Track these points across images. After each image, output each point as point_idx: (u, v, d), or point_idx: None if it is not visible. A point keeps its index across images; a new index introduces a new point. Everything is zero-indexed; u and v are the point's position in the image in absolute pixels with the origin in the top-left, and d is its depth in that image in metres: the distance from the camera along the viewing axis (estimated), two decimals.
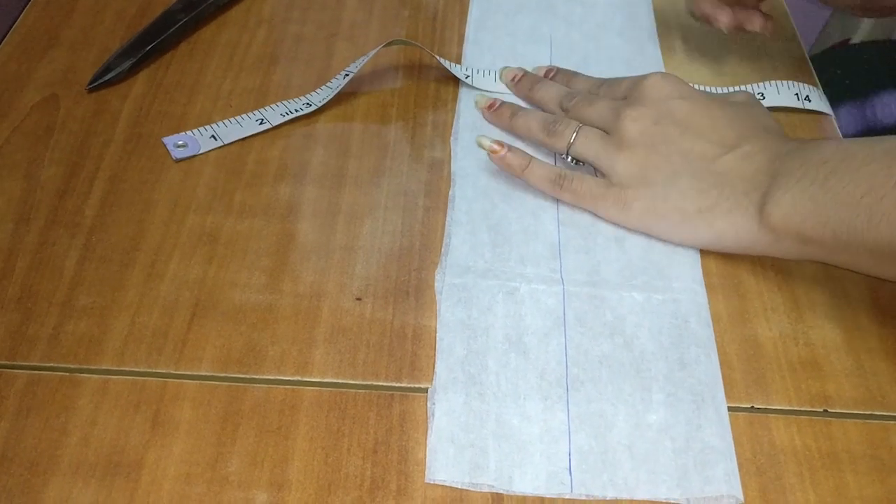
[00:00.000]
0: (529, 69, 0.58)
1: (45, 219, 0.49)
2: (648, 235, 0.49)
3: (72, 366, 0.43)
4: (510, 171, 0.51)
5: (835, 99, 0.63)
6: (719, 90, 0.57)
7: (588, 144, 0.50)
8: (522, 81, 0.57)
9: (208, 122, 0.55)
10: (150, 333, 0.44)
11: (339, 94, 0.56)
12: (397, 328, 0.45)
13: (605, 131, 0.50)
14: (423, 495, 0.39)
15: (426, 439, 0.40)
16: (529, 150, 0.52)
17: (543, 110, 0.55)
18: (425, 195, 0.51)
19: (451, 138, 0.54)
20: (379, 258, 0.48)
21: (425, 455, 0.40)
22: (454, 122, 0.56)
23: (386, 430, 0.41)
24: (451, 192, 0.51)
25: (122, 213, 0.50)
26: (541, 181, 0.50)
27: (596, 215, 0.50)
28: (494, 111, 0.55)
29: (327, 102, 0.56)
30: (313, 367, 0.43)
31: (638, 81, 0.51)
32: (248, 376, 0.43)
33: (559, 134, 0.51)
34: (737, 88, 0.57)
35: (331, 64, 0.59)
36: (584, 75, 0.57)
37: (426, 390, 0.42)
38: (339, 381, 0.43)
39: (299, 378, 0.43)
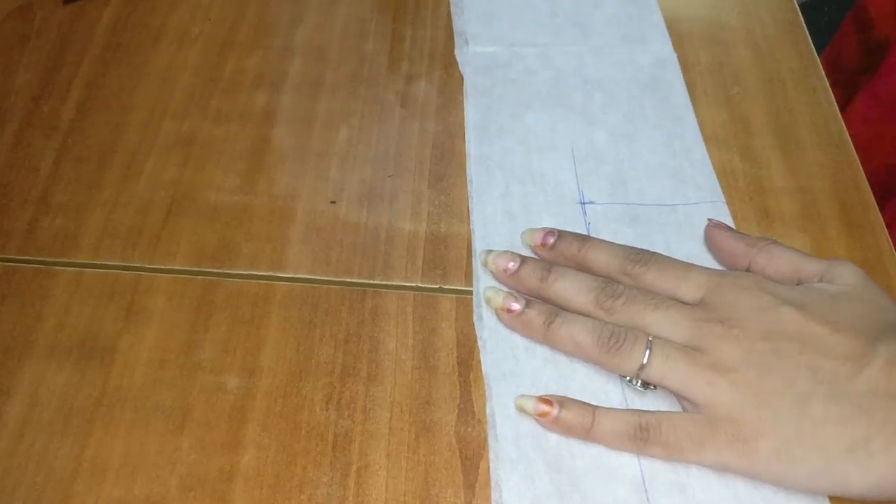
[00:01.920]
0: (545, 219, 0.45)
1: (20, 121, 0.50)
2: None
3: (47, 259, 0.43)
4: (568, 436, 0.37)
5: None
6: None
7: (670, 366, 0.37)
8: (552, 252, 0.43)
9: (186, 34, 0.55)
10: (125, 230, 0.44)
11: (318, 7, 0.56)
12: (371, 229, 0.45)
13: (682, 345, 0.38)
14: (392, 381, 0.39)
15: (397, 332, 0.41)
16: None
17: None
18: (402, 105, 0.52)
19: (474, 311, 0.42)
20: (354, 164, 0.48)
21: (395, 346, 0.41)
22: (473, 288, 0.43)
23: (358, 323, 0.41)
24: (488, 407, 0.39)
25: (99, 117, 0.50)
26: (615, 439, 0.37)
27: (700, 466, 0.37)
28: (518, 316, 0.40)
29: (306, 15, 0.56)
30: (287, 263, 0.44)
31: (718, 282, 0.39)
32: (221, 271, 0.43)
33: (625, 352, 0.38)
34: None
35: None
36: (608, 245, 0.42)
37: (398, 287, 0.43)
38: (313, 276, 0.43)
39: (273, 273, 0.43)
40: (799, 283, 0.40)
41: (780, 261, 0.41)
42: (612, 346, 0.38)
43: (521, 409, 0.38)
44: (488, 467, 0.37)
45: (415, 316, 0.42)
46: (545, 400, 0.37)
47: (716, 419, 0.36)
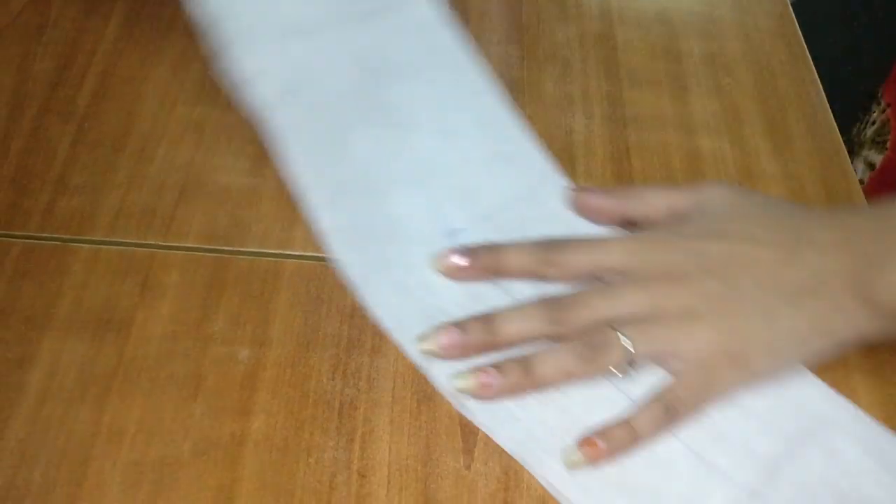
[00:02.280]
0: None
1: (38, 107, 0.51)
2: None
3: (65, 236, 0.45)
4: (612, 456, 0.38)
5: None
6: None
7: (649, 340, 0.39)
8: (477, 264, 0.42)
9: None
10: (139, 210, 0.46)
11: None
12: None
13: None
14: (395, 353, 0.41)
15: None
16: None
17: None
18: None
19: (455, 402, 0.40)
20: None
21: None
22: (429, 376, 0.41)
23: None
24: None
25: (114, 103, 0.52)
26: (651, 430, 0.39)
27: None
28: (499, 385, 0.39)
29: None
30: (295, 242, 0.45)
31: (636, 246, 0.41)
32: (232, 248, 0.45)
33: (603, 350, 0.39)
34: None
35: None
36: (516, 245, 0.42)
37: None
38: (320, 255, 0.45)
39: (282, 251, 0.45)
40: (680, 217, 0.44)
41: (654, 201, 0.45)
42: (592, 355, 0.39)
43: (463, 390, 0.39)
44: (485, 435, 0.39)
45: None
46: (591, 443, 0.38)
47: (710, 363, 0.39)
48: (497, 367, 0.39)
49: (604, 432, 0.38)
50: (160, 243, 0.45)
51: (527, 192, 0.47)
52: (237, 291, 0.43)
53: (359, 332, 0.42)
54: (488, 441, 0.38)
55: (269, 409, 0.39)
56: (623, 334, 0.39)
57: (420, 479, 0.37)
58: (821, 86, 0.56)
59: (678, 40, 0.58)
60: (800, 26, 0.60)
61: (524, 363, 0.39)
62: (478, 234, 0.44)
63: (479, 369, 0.39)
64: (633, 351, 0.39)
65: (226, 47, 0.50)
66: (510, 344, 0.40)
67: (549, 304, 0.40)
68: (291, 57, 0.50)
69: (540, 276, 0.42)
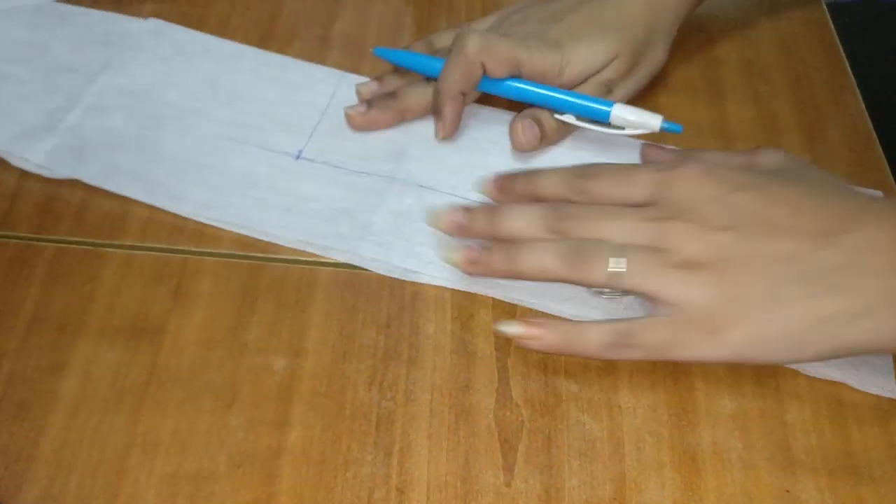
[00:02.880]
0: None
1: None
2: None
3: (97, 240, 0.44)
4: (553, 352, 0.40)
5: None
6: None
7: (640, 271, 0.38)
8: (505, 188, 0.44)
9: (227, 24, 0.56)
10: (171, 215, 0.46)
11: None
12: None
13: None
14: (432, 365, 0.41)
15: (436, 317, 0.42)
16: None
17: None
18: None
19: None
20: None
21: (435, 330, 0.42)
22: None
23: (398, 308, 0.43)
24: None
25: None
26: (596, 349, 0.38)
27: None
28: (481, 262, 0.41)
29: (342, 7, 0.57)
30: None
31: (665, 177, 0.40)
32: (266, 255, 0.44)
33: (591, 264, 0.38)
34: None
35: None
36: (553, 170, 0.43)
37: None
38: (355, 264, 0.44)
39: (316, 259, 0.44)
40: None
41: (711, 161, 0.43)
42: (576, 262, 0.38)
43: (503, 334, 0.40)
44: (526, 450, 0.38)
45: (453, 302, 0.43)
46: (529, 323, 0.39)
47: (690, 316, 0.37)
48: (485, 247, 0.40)
49: (543, 323, 0.39)
50: (193, 249, 0.44)
51: (329, 101, 0.51)
52: (271, 299, 0.43)
53: (395, 343, 0.41)
54: (529, 457, 0.38)
55: (305, 422, 0.38)
56: (616, 257, 0.38)
57: (459, 497, 0.37)
58: (859, 94, 0.55)
59: (714, 46, 0.57)
60: (837, 32, 0.59)
61: (508, 249, 0.40)
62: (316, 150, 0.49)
63: (467, 246, 0.41)
64: (620, 273, 0.38)
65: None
66: (510, 238, 0.41)
67: (557, 212, 0.40)
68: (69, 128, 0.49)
69: (571, 200, 0.42)
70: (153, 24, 0.55)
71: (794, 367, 0.41)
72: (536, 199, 0.42)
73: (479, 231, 0.42)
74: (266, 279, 0.43)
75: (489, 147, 0.49)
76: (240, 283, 0.43)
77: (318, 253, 0.44)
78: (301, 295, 0.43)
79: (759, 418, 0.40)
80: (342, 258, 0.44)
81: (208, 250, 0.44)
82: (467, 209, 0.42)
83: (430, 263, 0.44)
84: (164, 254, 0.44)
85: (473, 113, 0.51)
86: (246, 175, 0.47)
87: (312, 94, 0.52)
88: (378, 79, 0.51)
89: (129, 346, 0.41)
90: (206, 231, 0.45)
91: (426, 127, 0.50)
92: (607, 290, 0.40)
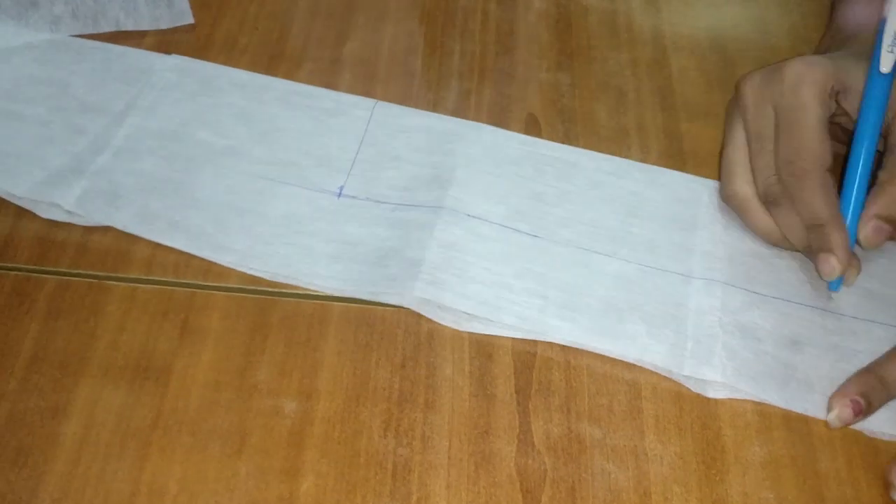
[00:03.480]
0: None
1: None
2: None
3: (100, 273, 0.43)
4: None
5: None
6: None
7: None
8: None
9: (234, 44, 0.54)
10: (177, 249, 0.44)
11: (365, 19, 0.56)
12: None
13: None
14: (450, 409, 0.39)
15: (454, 357, 0.41)
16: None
17: None
18: None
19: None
20: None
21: (452, 371, 0.40)
22: None
23: (414, 347, 0.41)
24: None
25: None
26: None
27: None
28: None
29: (353, 28, 0.56)
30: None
31: None
32: (276, 290, 0.43)
33: None
34: None
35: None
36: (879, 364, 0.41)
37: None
38: (369, 298, 0.43)
39: (328, 294, 0.43)
40: None
41: None
42: None
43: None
44: (550, 501, 0.36)
45: (471, 341, 0.41)
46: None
47: None
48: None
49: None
50: (200, 283, 0.43)
51: (366, 127, 0.50)
52: (282, 337, 0.41)
53: (411, 385, 0.40)
54: None
55: (318, 470, 0.37)
56: None
57: None
58: None
59: (734, 68, 0.56)
60: None
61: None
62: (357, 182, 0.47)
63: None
64: None
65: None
66: None
67: None
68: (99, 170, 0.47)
69: None
70: (176, 60, 0.53)
71: (857, 427, 0.39)
72: (891, 398, 0.40)
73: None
74: (276, 315, 0.42)
75: (533, 174, 0.48)
76: (249, 320, 0.41)
77: (365, 298, 0.42)
78: (313, 332, 0.41)
79: (791, 467, 0.38)
80: (393, 301, 0.42)
81: (216, 284, 0.43)
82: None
83: (484, 304, 0.42)
84: (170, 287, 0.42)
85: (508, 137, 0.49)
86: (288, 218, 0.45)
87: (348, 121, 0.50)
88: None
89: (134, 387, 0.39)
90: (214, 265, 0.43)
91: (470, 146, 0.48)
92: None
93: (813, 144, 0.41)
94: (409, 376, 0.40)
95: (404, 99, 0.52)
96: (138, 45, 0.53)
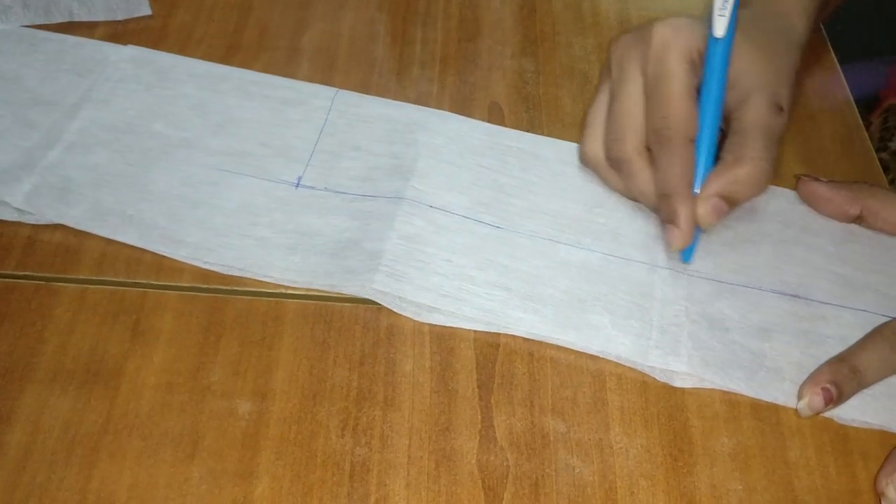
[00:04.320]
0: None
1: None
2: None
3: (48, 274, 0.41)
4: None
5: None
6: None
7: None
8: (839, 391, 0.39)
9: (190, 36, 0.53)
10: (129, 246, 0.43)
11: (325, 8, 0.55)
12: None
13: None
14: (410, 406, 0.38)
15: (414, 353, 0.40)
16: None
17: None
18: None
19: None
20: None
21: (413, 367, 0.39)
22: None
23: (373, 343, 0.40)
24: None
25: None
26: None
27: None
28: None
29: (312, 17, 0.54)
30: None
31: None
32: (230, 288, 0.41)
33: None
34: None
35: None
36: (862, 346, 0.40)
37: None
38: (326, 293, 0.41)
39: (283, 291, 0.41)
40: None
41: (892, 204, 0.43)
42: None
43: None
44: (512, 498, 0.35)
45: (432, 335, 0.40)
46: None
47: None
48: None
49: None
50: (152, 282, 0.41)
51: (326, 117, 0.48)
52: (236, 336, 0.40)
53: (370, 382, 0.39)
54: None
55: (273, 472, 0.36)
56: None
57: None
58: (854, 105, 0.52)
59: None
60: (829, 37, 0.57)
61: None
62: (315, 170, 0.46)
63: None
64: None
65: None
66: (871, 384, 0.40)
67: None
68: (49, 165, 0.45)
69: None
70: (132, 51, 0.51)
71: (828, 415, 0.39)
72: (862, 387, 0.40)
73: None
74: (230, 314, 0.41)
75: (497, 165, 0.47)
76: (202, 319, 0.40)
77: (324, 289, 0.41)
78: (268, 331, 0.40)
79: (760, 457, 0.37)
80: (351, 292, 0.41)
81: (169, 283, 0.41)
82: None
83: (445, 297, 0.41)
84: (121, 288, 0.41)
85: (472, 127, 0.48)
86: (244, 210, 0.44)
87: (307, 110, 0.49)
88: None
89: (83, 392, 0.38)
90: (166, 263, 0.42)
91: (432, 136, 0.47)
92: None
93: (676, 113, 0.40)
94: (368, 373, 0.39)
95: (365, 88, 0.51)
96: (91, 37, 0.52)
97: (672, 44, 0.41)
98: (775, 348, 0.40)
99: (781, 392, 0.39)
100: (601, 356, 0.40)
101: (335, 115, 0.48)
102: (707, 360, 0.40)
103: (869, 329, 0.40)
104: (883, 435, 0.38)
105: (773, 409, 0.39)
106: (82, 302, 0.41)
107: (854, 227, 0.45)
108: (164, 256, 0.42)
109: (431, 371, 0.39)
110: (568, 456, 0.37)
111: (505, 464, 0.36)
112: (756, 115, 0.41)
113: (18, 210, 0.43)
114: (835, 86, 0.53)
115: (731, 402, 0.39)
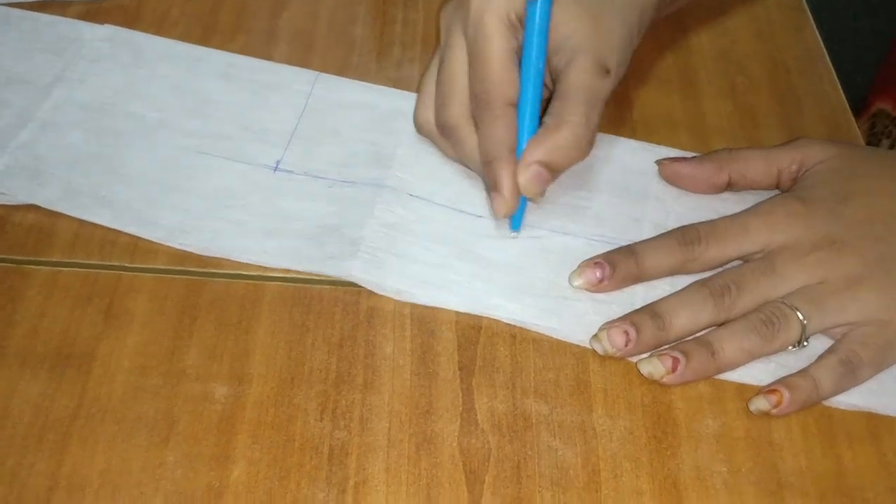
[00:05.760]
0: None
1: None
2: None
3: (19, 257, 0.40)
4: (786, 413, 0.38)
5: None
6: None
7: (825, 310, 0.39)
8: (617, 271, 0.40)
9: (165, 17, 0.52)
10: (103, 227, 0.42)
11: None
12: None
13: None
14: (390, 389, 0.37)
15: (394, 335, 0.39)
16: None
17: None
18: None
19: None
20: None
21: (393, 350, 0.38)
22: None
23: (352, 326, 0.39)
24: None
25: None
26: (833, 388, 0.38)
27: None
28: (685, 367, 0.38)
29: None
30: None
31: (776, 220, 0.40)
32: (206, 271, 0.41)
33: (784, 328, 0.38)
34: None
35: None
36: (653, 243, 0.41)
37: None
38: (304, 276, 0.41)
39: (261, 273, 0.41)
40: (780, 176, 0.44)
41: (754, 161, 0.44)
42: (774, 332, 0.38)
43: (648, 374, 0.38)
44: (494, 481, 0.35)
45: (413, 317, 0.40)
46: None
47: (883, 322, 0.39)
48: (682, 351, 0.38)
49: (787, 382, 0.37)
50: (126, 264, 0.41)
51: (306, 101, 0.47)
52: (212, 319, 0.39)
53: (349, 366, 0.38)
54: (497, 489, 0.35)
55: (250, 456, 0.35)
56: (796, 311, 0.38)
57: None
58: (839, 85, 0.52)
59: (686, 33, 0.54)
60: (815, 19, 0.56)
61: (703, 345, 0.38)
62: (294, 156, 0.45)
63: (665, 354, 0.38)
64: (806, 324, 0.38)
65: None
66: (682, 337, 0.39)
67: (715, 292, 0.39)
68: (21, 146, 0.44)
69: (683, 273, 0.41)
70: (108, 30, 0.50)
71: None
72: (641, 280, 0.41)
73: (650, 343, 0.39)
74: (206, 296, 0.40)
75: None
76: (177, 302, 0.39)
77: (301, 269, 0.41)
78: (245, 313, 0.39)
79: (745, 439, 0.37)
80: (332, 274, 0.40)
81: (143, 266, 0.41)
82: (632, 323, 0.38)
83: (425, 284, 0.40)
84: (94, 270, 0.40)
85: None
86: (220, 193, 0.43)
87: (287, 94, 0.48)
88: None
89: (54, 376, 0.37)
90: (141, 244, 0.41)
91: (411, 128, 0.46)
92: (806, 341, 0.39)
93: (494, 77, 0.40)
94: (348, 356, 0.38)
95: (344, 70, 0.50)
96: (65, 15, 0.51)
97: (489, 6, 0.39)
98: None
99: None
100: (583, 345, 0.39)
101: (315, 99, 0.48)
102: None
103: None
104: (868, 416, 0.38)
105: (758, 391, 0.38)
106: (54, 285, 0.40)
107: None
108: (139, 238, 0.41)
109: (412, 353, 0.38)
110: (550, 438, 0.36)
111: (486, 446, 0.36)
112: (578, 77, 0.40)
113: None
114: (821, 68, 0.53)
115: (716, 384, 0.39)
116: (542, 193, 0.40)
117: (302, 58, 0.50)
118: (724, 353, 0.38)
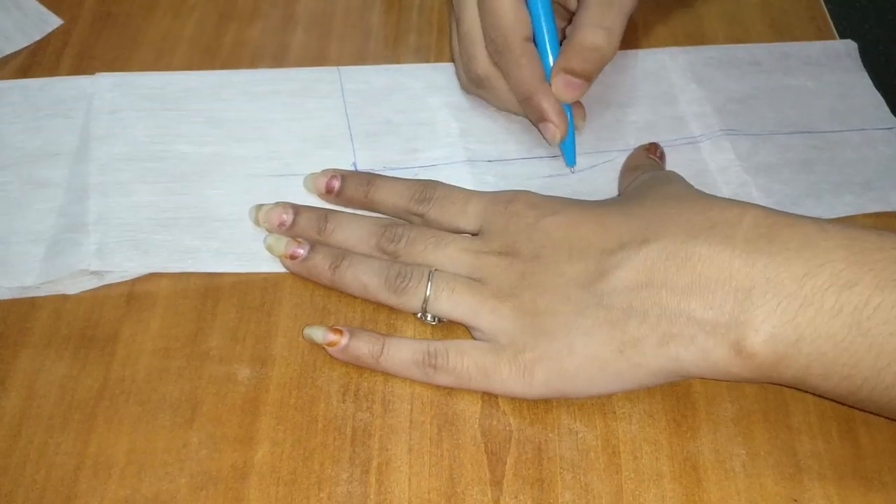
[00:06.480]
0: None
1: None
2: None
3: None
4: (358, 364, 0.37)
5: None
6: None
7: (456, 299, 0.37)
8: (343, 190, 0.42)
9: (182, 2, 0.52)
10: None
11: None
12: None
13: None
14: None
15: (415, 317, 0.39)
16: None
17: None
18: None
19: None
20: None
21: (414, 333, 0.39)
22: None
23: (374, 309, 0.39)
24: None
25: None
26: (405, 367, 0.37)
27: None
28: (304, 262, 0.39)
29: None
30: None
31: (492, 210, 0.39)
32: None
33: (411, 290, 0.37)
34: None
35: None
36: (393, 183, 0.42)
37: None
38: None
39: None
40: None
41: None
42: (398, 286, 0.38)
43: (309, 339, 0.37)
44: (515, 462, 0.35)
45: None
46: (335, 330, 0.37)
47: (500, 347, 0.36)
48: (313, 246, 0.39)
49: (354, 331, 0.37)
50: None
51: (343, 98, 0.47)
52: (234, 302, 0.39)
53: None
54: (518, 471, 0.35)
55: (273, 437, 0.35)
56: (432, 282, 0.37)
57: None
58: None
59: (702, 25, 0.54)
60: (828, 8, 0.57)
61: (335, 256, 0.39)
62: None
63: (296, 241, 0.39)
64: (430, 300, 0.37)
65: None
66: (336, 246, 0.40)
67: (385, 231, 0.39)
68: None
69: (405, 219, 0.41)
70: (107, 79, 0.47)
71: None
72: (368, 207, 0.42)
73: (304, 233, 0.40)
74: (228, 279, 0.40)
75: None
76: (199, 285, 0.40)
77: None
78: (267, 296, 0.40)
79: (763, 422, 0.37)
80: None
81: None
82: (296, 208, 0.40)
83: None
84: None
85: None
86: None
87: (321, 96, 0.47)
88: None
89: (79, 357, 0.37)
90: None
91: (450, 96, 0.48)
92: (426, 316, 0.38)
93: (505, 20, 0.42)
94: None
95: (362, 57, 0.50)
96: (4, 69, 0.48)
97: None
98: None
99: None
100: None
101: (350, 94, 0.47)
102: None
103: None
104: None
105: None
106: None
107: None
108: None
109: (433, 335, 0.39)
110: (571, 421, 0.36)
111: (508, 428, 0.36)
112: None
113: (95, 273, 0.39)
114: None
115: None
116: (577, 97, 0.43)
117: (319, 45, 0.50)
118: (344, 273, 0.38)
